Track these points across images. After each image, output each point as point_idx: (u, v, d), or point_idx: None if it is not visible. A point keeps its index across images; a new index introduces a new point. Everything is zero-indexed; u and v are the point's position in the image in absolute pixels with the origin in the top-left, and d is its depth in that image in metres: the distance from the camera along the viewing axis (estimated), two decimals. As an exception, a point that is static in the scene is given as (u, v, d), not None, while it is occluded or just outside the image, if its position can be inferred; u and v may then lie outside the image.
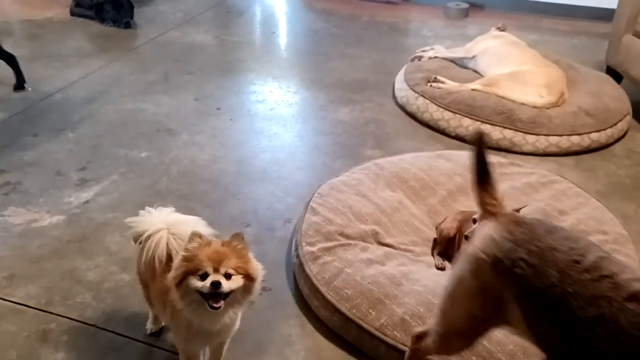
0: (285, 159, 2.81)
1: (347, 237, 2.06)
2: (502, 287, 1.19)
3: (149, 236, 1.50)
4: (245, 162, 2.79)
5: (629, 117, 3.03)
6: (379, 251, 2.03)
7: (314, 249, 2.00)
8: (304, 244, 2.03)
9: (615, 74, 3.33)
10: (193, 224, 1.53)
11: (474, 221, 1.81)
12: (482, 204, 1.35)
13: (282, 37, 4.54)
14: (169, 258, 1.47)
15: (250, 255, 1.44)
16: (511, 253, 1.17)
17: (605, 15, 4.16)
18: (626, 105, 3.04)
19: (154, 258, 1.48)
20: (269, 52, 4.23)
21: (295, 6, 5.17)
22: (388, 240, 2.11)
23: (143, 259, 1.51)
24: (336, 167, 2.68)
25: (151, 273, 1.53)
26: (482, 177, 1.37)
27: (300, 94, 3.48)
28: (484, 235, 1.27)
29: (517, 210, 1.83)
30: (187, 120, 3.12)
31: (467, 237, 1.78)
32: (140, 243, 1.53)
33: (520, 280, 1.14)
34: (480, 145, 1.34)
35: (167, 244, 1.49)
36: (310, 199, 2.25)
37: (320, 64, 3.89)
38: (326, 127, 3.11)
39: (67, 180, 2.58)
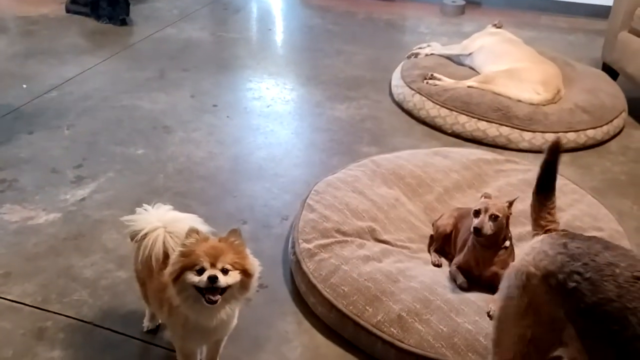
0: (281, 156, 2.81)
1: (344, 234, 2.06)
2: (554, 303, 1.14)
3: (146, 234, 1.50)
4: (242, 159, 2.79)
5: (624, 114, 3.04)
6: (376, 248, 2.03)
7: (310, 246, 2.00)
8: (300, 241, 2.03)
9: (611, 71, 3.34)
10: (189, 222, 1.53)
11: (476, 213, 1.80)
12: (537, 218, 1.30)
13: (279, 34, 4.53)
14: (166, 256, 1.46)
15: (247, 251, 1.44)
16: (565, 266, 1.12)
17: (602, 12, 4.16)
18: (622, 102, 3.05)
19: (150, 256, 1.48)
20: (265, 48, 4.22)
21: (291, 3, 5.16)
22: (385, 237, 2.11)
23: (140, 258, 1.51)
24: (333, 164, 2.68)
25: (148, 271, 1.53)
26: (545, 189, 1.29)
27: (296, 91, 3.47)
28: (535, 249, 1.22)
29: (510, 203, 1.84)
30: (183, 117, 3.12)
31: (475, 230, 1.77)
32: (137, 241, 1.52)
33: (574, 294, 1.09)
34: (554, 154, 1.26)
35: (164, 243, 1.49)
36: (307, 196, 2.25)
37: (316, 61, 3.88)
38: (322, 124, 3.11)
39: (63, 178, 2.58)
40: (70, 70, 3.58)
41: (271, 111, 3.22)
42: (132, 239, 1.56)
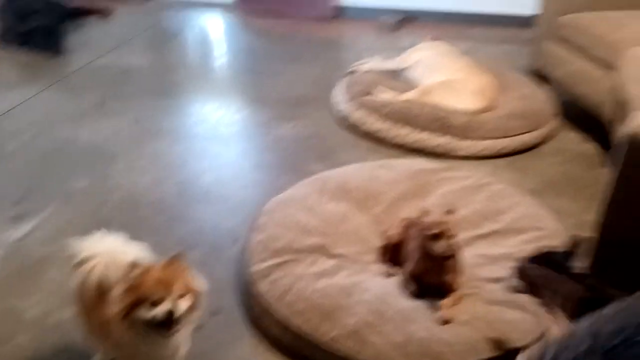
0: (229, 178, 2.80)
1: (295, 251, 2.07)
2: None
3: (85, 265, 1.46)
4: (189, 184, 2.76)
5: (556, 117, 3.19)
6: (328, 263, 2.05)
7: (262, 266, 2.00)
8: (252, 262, 2.03)
9: (541, 77, 3.52)
10: (129, 249, 1.50)
11: (435, 237, 1.81)
12: None
13: (220, 57, 4.54)
14: (106, 288, 1.43)
15: (191, 272, 1.42)
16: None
17: (531, 22, 4.37)
18: (553, 107, 3.21)
19: (90, 288, 1.44)
20: (207, 72, 4.21)
21: (231, 26, 5.19)
22: (336, 252, 2.13)
23: (80, 290, 1.47)
24: (281, 184, 2.68)
25: (89, 304, 1.49)
26: None
27: (241, 113, 3.48)
28: None
29: (450, 213, 1.89)
30: (127, 145, 3.06)
31: (444, 258, 1.83)
32: (78, 273, 1.48)
33: None
34: None
35: (104, 273, 1.45)
36: (257, 217, 2.25)
37: (259, 82, 3.91)
38: (269, 144, 3.12)
39: (2, 215, 2.47)
40: (5, 104, 3.46)
41: (216, 134, 3.21)
42: (74, 271, 1.52)
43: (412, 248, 1.99)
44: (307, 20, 5.12)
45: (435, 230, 1.81)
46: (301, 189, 2.44)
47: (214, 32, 5.11)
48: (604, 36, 2.88)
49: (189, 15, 5.31)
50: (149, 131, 3.21)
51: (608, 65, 2.79)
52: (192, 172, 2.85)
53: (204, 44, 4.80)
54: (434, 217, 1.87)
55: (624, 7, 3.19)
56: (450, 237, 1.82)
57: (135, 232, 2.33)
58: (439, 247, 1.80)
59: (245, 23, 5.12)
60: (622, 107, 2.53)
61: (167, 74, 4.04)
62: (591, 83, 2.94)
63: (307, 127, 3.30)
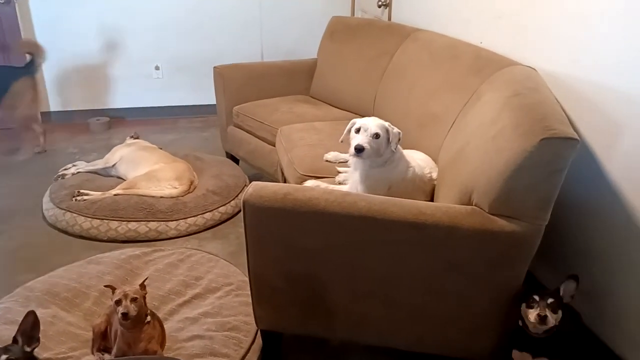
0: None
1: (-2, 367, 2.09)
2: None
3: None
4: None
5: (246, 188, 3.77)
6: (36, 369, 2.12)
7: (-40, 392, 1.97)
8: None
9: (232, 156, 4.12)
10: None
11: (118, 302, 2.07)
12: None
13: None
14: None
15: None
16: None
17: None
18: (243, 179, 3.79)
19: None
20: None
21: None
22: (45, 355, 2.21)
23: None
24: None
25: None
26: None
27: None
28: None
29: (142, 285, 2.18)
30: None
31: (123, 315, 2.05)
32: None
33: None
34: None
35: None
36: (-48, 344, 2.19)
37: (-44, 203, 3.70)
38: (-30, 266, 3.00)
39: None
40: None
41: None
42: None
43: (114, 330, 2.21)
44: (13, 129, 5.01)
45: (117, 297, 2.08)
46: (4, 304, 2.46)
47: None
48: (264, 120, 3.59)
49: None
50: None
51: (271, 142, 3.49)
52: None
53: None
54: (118, 290, 2.14)
55: (278, 94, 4.03)
56: (132, 299, 2.09)
57: None
58: (121, 309, 2.07)
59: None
60: (282, 172, 3.20)
61: None
62: (265, 157, 3.60)
63: (14, 239, 3.26)
